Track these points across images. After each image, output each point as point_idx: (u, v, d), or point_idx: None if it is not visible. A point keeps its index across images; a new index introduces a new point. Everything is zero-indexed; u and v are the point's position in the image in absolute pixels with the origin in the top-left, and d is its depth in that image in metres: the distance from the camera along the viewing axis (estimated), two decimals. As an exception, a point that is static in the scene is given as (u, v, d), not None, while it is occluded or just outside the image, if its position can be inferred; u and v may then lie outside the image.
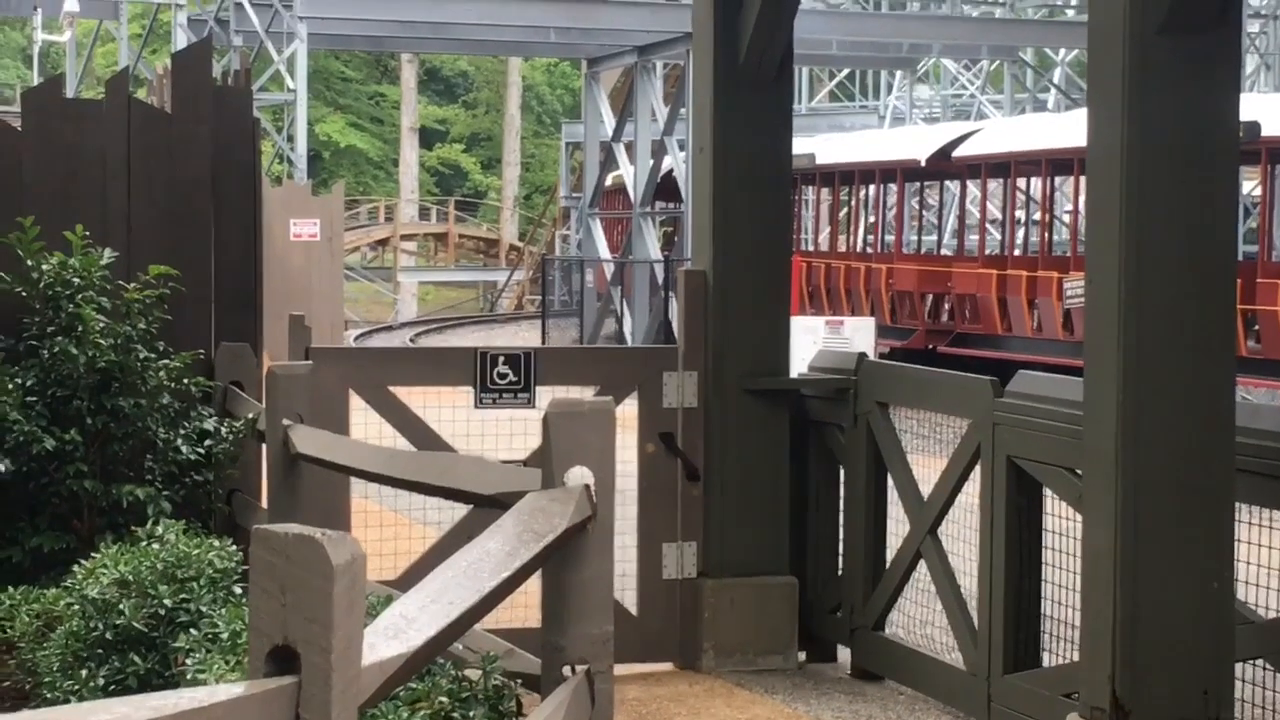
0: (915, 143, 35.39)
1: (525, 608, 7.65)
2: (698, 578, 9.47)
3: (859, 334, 23.95)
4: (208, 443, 9.11)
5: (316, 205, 32.30)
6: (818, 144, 37.86)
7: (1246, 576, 7.37)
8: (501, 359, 9.23)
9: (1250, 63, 50.43)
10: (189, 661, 6.33)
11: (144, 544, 7.40)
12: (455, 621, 4.01)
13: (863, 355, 9.55)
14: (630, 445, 9.07)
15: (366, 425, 9.19)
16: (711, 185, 9.58)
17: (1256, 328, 25.16)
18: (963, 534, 8.81)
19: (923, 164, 33.38)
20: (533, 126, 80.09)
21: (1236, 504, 7.02)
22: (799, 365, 10.21)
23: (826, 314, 31.25)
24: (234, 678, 5.74)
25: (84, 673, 6.86)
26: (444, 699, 5.78)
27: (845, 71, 65.06)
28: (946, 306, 32.42)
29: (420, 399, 9.39)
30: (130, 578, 7.03)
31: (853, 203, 37.57)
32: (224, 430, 9.13)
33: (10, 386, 8.67)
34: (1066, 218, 33.41)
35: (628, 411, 8.85)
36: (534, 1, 39.02)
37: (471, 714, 5.77)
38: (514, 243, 66.67)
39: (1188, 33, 6.78)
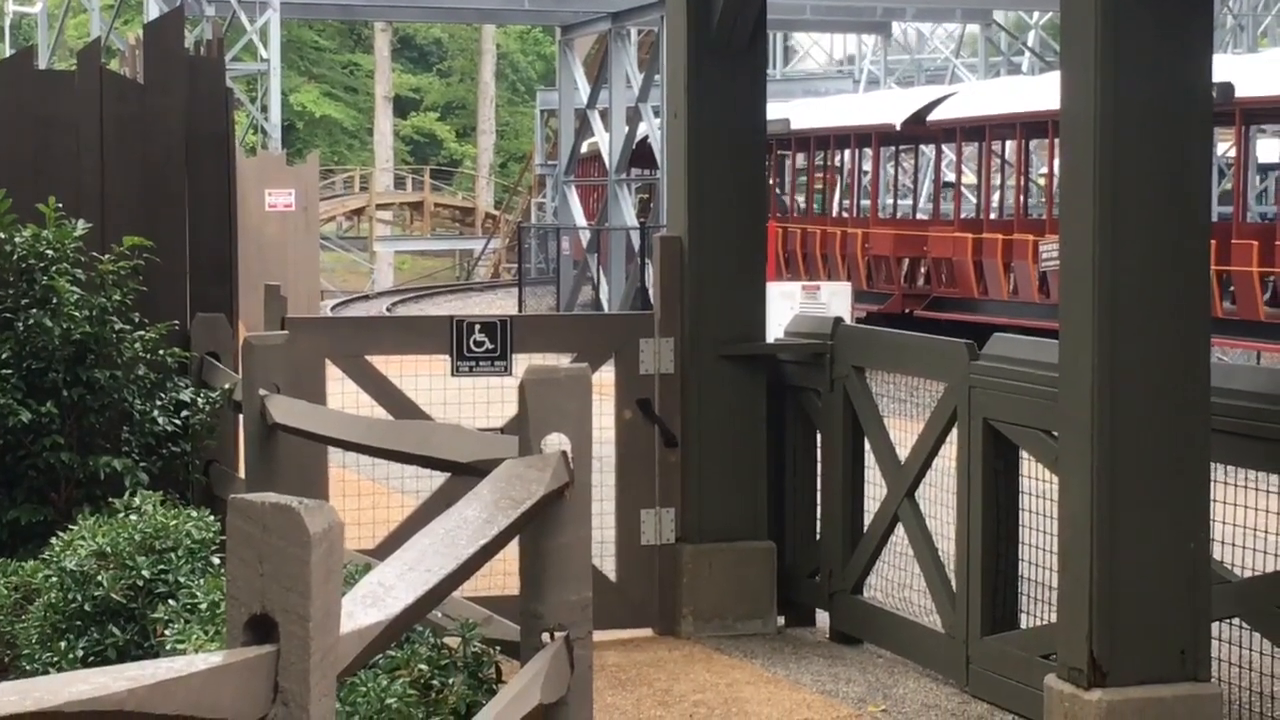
0: (890, 107, 35.39)
1: (504, 575, 7.66)
2: (676, 543, 9.48)
3: (835, 299, 23.98)
4: (184, 414, 9.09)
5: (291, 175, 32.26)
6: (793, 109, 37.84)
7: (1222, 536, 7.40)
8: (478, 327, 9.22)
9: (1224, 23, 50.43)
10: (168, 632, 6.33)
11: (122, 515, 7.40)
12: (433, 589, 4.01)
13: (839, 320, 9.55)
14: (607, 412, 9.07)
15: (343, 395, 9.18)
16: (686, 152, 9.57)
17: (1231, 289, 25.21)
18: (940, 497, 8.83)
19: (898, 128, 33.38)
20: (507, 94, 79.93)
21: (1212, 464, 7.05)
22: (775, 330, 10.21)
23: (803, 279, 31.27)
24: (213, 648, 5.74)
25: (63, 644, 6.86)
26: (423, 666, 5.78)
27: (820, 36, 64.98)
28: (923, 270, 32.45)
29: (397, 368, 9.39)
30: (108, 549, 7.02)
31: (828, 167, 37.58)
32: (200, 401, 9.12)
33: (-15, 359, 8.64)
34: (1041, 181, 33.45)
35: (605, 378, 8.85)
36: (507, -32, 38.97)
37: (451, 681, 5.78)
38: (490, 211, 66.58)
39: (1160, -6, 6.78)
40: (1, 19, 60.76)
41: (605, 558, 9.22)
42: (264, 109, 39.64)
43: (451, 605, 6.39)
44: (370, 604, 3.69)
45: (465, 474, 5.94)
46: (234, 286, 10.01)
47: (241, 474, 8.66)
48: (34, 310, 8.74)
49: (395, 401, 9.11)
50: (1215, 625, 7.19)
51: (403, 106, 77.02)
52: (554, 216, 48.18)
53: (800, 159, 38.63)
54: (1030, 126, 30.04)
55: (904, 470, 8.78)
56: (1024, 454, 8.07)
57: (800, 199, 39.03)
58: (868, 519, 9.21)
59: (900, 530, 8.89)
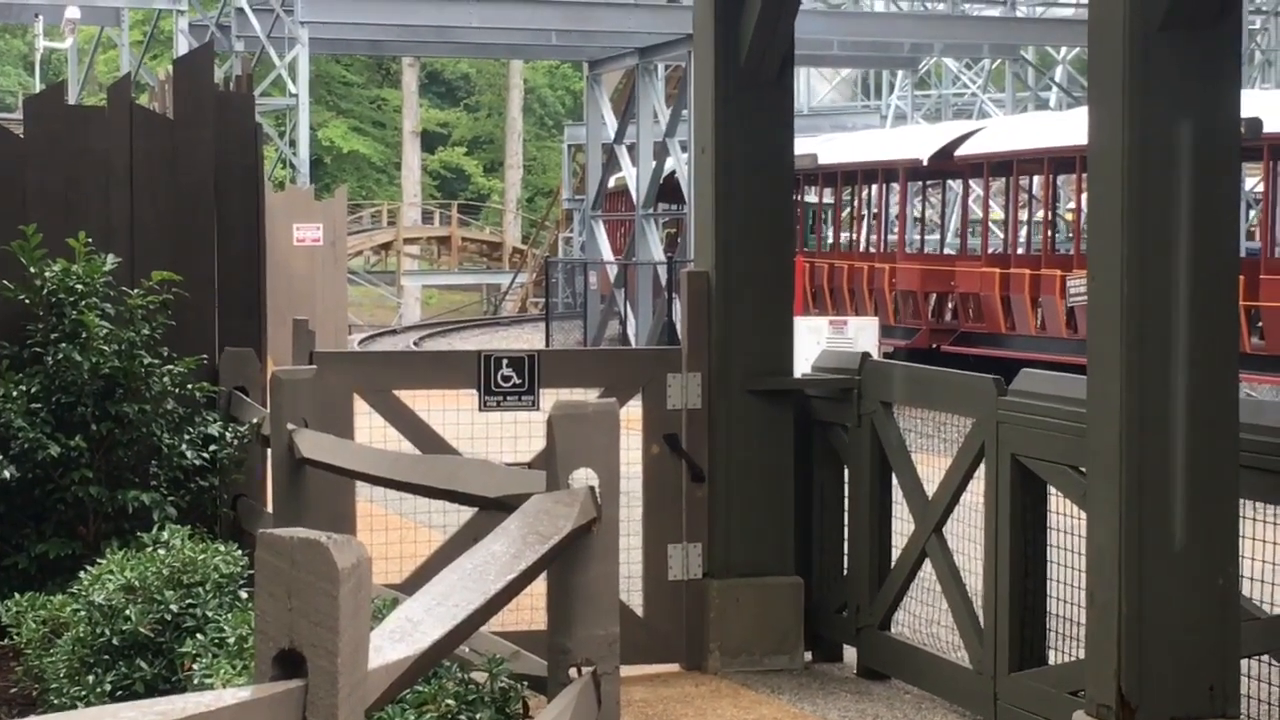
0: (918, 142, 35.39)
1: (531, 609, 7.65)
2: (703, 578, 9.47)
3: (862, 334, 23.97)
4: (212, 448, 9.12)
5: (319, 210, 32.30)
6: (820, 144, 37.86)
7: (1251, 573, 7.37)
8: (505, 362, 9.23)
9: (1252, 59, 50.41)
10: (195, 666, 6.34)
11: (150, 549, 7.42)
12: (461, 624, 4.01)
13: (866, 355, 9.54)
14: (634, 447, 9.08)
15: (371, 429, 9.19)
16: (714, 186, 9.58)
17: (1260, 324, 25.15)
18: (968, 532, 8.81)
19: (925, 163, 33.38)
20: (534, 129, 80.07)
21: (1240, 500, 7.03)
22: (803, 365, 10.20)
23: (830, 314, 31.24)
24: (241, 682, 5.75)
25: (91, 679, 6.87)
26: (450, 701, 5.78)
27: (846, 71, 65.02)
28: (950, 305, 32.41)
29: (424, 402, 9.40)
30: (136, 583, 7.04)
31: (855, 202, 37.58)
32: (229, 435, 9.14)
33: (15, 393, 8.68)
34: (1069, 216, 33.42)
35: (632, 413, 8.86)
36: (535, 4, 39.05)
37: (478, 716, 5.78)
38: (517, 245, 66.69)
39: (1189, 29, 6.78)
40: (32, 54, 61.05)
41: (632, 593, 9.21)
42: (292, 144, 39.73)
43: (479, 640, 6.39)
44: (398, 639, 3.69)
45: (493, 509, 5.95)
46: (262, 321, 10.03)
47: (269, 508, 8.67)
48: (63, 344, 8.77)
49: (423, 436, 9.12)
50: (1244, 662, 7.15)
51: (430, 141, 77.20)
52: (581, 251, 48.22)
53: (828, 193, 38.63)
54: (1058, 161, 30.02)
55: (932, 506, 8.77)
56: (1052, 489, 8.05)
57: (828, 234, 39.01)
58: (895, 554, 9.19)
59: (928, 566, 8.87)
